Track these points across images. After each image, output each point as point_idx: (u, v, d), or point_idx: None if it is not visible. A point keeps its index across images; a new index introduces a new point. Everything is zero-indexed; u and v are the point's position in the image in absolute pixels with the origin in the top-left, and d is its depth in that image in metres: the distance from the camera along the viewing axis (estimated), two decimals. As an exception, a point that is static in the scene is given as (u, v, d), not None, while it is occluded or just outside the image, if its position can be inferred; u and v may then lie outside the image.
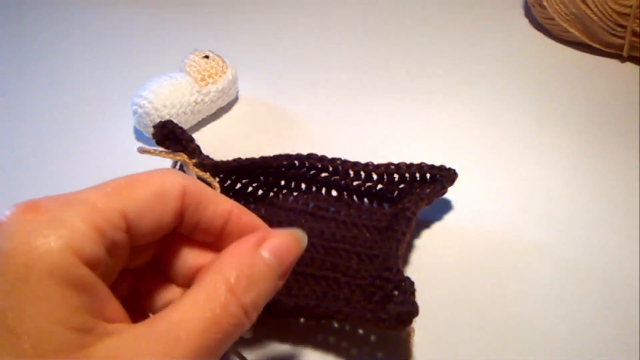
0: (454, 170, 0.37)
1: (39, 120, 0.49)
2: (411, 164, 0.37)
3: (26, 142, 0.47)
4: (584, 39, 0.53)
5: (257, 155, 0.38)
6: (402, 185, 0.37)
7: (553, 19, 0.54)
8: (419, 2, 0.62)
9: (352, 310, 0.30)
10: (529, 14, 0.59)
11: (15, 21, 0.62)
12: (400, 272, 0.32)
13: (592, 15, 0.51)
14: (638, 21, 0.49)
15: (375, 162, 0.37)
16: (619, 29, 0.51)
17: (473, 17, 0.60)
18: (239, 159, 0.38)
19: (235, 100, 0.50)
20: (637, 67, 0.52)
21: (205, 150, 0.40)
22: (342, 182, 0.37)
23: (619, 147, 0.44)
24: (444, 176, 0.37)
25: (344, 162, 0.37)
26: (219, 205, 0.25)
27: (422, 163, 0.37)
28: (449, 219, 0.39)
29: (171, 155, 0.36)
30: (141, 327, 0.20)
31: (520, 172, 0.42)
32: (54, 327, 0.19)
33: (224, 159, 0.38)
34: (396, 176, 0.37)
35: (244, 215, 0.25)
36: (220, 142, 0.46)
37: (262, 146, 0.46)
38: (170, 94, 0.44)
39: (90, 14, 0.62)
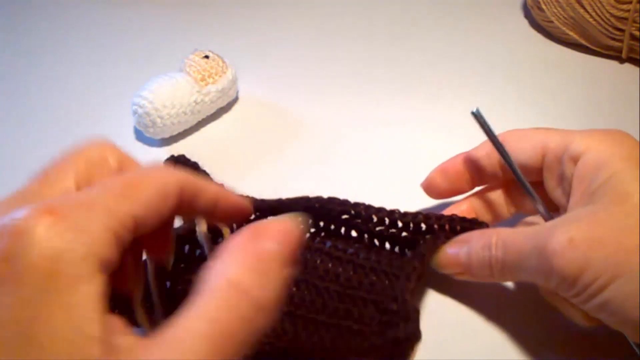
0: (486, 224, 0.34)
1: (38, 120, 0.49)
2: (441, 216, 0.33)
3: (26, 142, 0.47)
4: (582, 41, 0.53)
5: (257, 156, 0.37)
6: (428, 236, 0.33)
7: (552, 21, 0.54)
8: (419, 3, 0.62)
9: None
10: (528, 15, 0.59)
11: (15, 21, 0.62)
12: (405, 302, 0.29)
13: (590, 19, 0.51)
14: (636, 25, 0.50)
15: (402, 210, 0.34)
16: (617, 32, 0.51)
17: (472, 18, 0.60)
18: (254, 200, 0.35)
19: (235, 100, 0.50)
20: (637, 68, 0.52)
21: (205, 150, 0.39)
22: (364, 226, 0.34)
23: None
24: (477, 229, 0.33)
25: (368, 208, 0.34)
26: (207, 193, 0.26)
27: (453, 215, 0.33)
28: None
29: None
30: (152, 342, 0.19)
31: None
32: (80, 339, 0.18)
33: (224, 159, 0.38)
34: (423, 225, 0.33)
35: (229, 197, 0.27)
36: (220, 142, 0.46)
37: (262, 146, 0.46)
38: (170, 94, 0.44)
39: (90, 14, 0.62)
